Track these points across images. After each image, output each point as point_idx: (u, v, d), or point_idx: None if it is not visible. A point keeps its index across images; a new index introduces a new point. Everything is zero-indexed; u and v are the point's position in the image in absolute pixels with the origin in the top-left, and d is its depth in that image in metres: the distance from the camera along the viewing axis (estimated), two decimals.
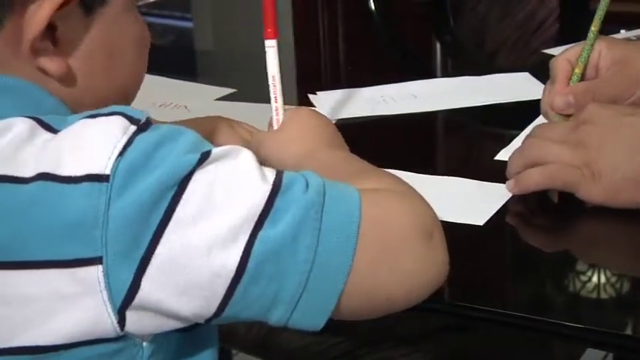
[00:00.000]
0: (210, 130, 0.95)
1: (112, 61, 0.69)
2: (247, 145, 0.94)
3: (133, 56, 0.72)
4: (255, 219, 0.60)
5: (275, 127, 0.84)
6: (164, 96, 1.20)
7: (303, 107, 0.83)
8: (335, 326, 0.63)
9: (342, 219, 0.63)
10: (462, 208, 0.85)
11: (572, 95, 0.93)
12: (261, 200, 0.61)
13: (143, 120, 0.62)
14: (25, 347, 0.61)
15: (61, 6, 0.64)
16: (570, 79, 0.95)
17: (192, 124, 0.97)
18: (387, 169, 0.76)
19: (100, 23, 0.68)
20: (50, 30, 0.65)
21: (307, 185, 0.63)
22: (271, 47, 0.82)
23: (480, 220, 0.82)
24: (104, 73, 0.69)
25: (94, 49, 0.68)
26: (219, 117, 0.97)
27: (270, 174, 0.63)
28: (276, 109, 0.83)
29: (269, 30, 0.82)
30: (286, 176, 0.63)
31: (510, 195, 0.86)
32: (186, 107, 1.17)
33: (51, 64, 0.66)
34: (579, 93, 0.93)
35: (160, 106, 1.17)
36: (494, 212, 0.84)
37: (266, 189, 0.61)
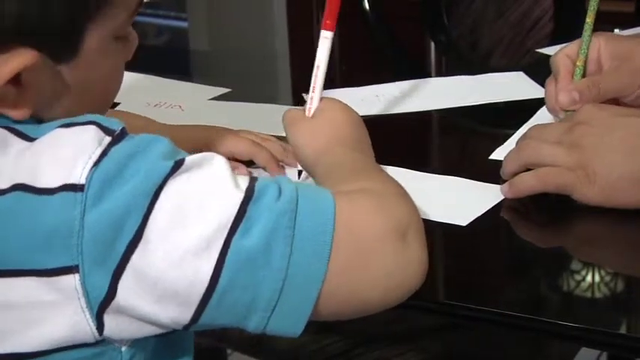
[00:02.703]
0: (213, 136, 0.95)
1: (79, 100, 0.66)
2: (255, 145, 0.94)
3: (104, 91, 0.70)
4: (229, 226, 0.60)
5: (307, 114, 0.83)
6: (158, 96, 1.20)
7: (337, 100, 0.82)
8: (330, 326, 0.63)
9: (316, 226, 0.63)
10: (453, 207, 0.85)
11: (576, 92, 0.93)
12: (233, 208, 0.61)
13: (118, 131, 0.62)
14: (5, 355, 0.61)
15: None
16: (573, 73, 0.94)
17: (195, 131, 0.97)
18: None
19: (70, 70, 0.64)
20: (14, 76, 0.61)
21: (280, 193, 0.63)
22: (326, 38, 0.82)
23: (464, 220, 0.82)
24: (70, 109, 0.66)
25: (61, 92, 0.65)
26: (220, 127, 0.97)
27: (243, 182, 0.63)
28: (311, 99, 0.83)
29: (328, 22, 0.81)
30: (259, 184, 0.63)
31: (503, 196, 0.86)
32: (180, 107, 1.17)
33: (13, 111, 0.63)
34: (584, 88, 0.92)
35: (155, 105, 1.17)
36: (482, 212, 0.83)
37: (238, 197, 0.61)
